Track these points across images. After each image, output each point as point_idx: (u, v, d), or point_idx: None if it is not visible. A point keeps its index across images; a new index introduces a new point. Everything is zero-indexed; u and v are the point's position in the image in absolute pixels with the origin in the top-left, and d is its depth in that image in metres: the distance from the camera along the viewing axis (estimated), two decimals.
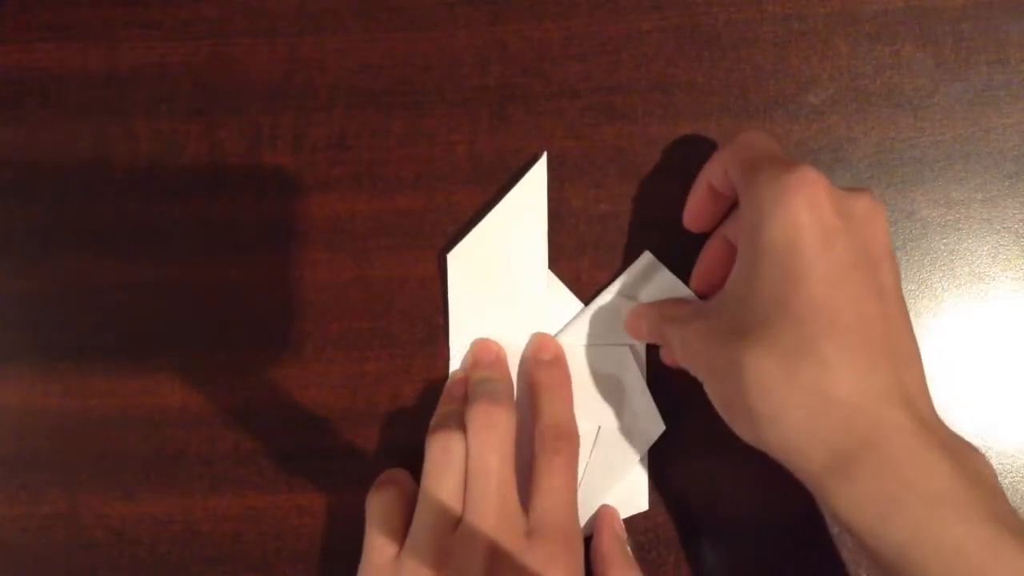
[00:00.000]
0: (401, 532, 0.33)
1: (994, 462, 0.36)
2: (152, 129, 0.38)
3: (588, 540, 0.35)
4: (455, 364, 0.37)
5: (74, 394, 0.38)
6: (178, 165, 0.38)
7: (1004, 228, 0.37)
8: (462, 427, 0.34)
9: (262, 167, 0.38)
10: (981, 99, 0.37)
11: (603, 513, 0.36)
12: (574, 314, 0.37)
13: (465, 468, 0.33)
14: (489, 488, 0.32)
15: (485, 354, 0.37)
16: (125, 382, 0.38)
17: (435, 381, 0.37)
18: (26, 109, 0.39)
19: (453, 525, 0.32)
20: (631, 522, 0.37)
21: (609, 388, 0.37)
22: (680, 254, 0.37)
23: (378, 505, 0.34)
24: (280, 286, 0.38)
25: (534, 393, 0.36)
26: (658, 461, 0.37)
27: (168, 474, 0.38)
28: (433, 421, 0.36)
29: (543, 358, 0.36)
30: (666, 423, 0.36)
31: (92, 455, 0.38)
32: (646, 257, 0.37)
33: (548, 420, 0.35)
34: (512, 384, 0.36)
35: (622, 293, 0.37)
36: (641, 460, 0.37)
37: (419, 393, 0.37)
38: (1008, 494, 0.36)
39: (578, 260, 0.37)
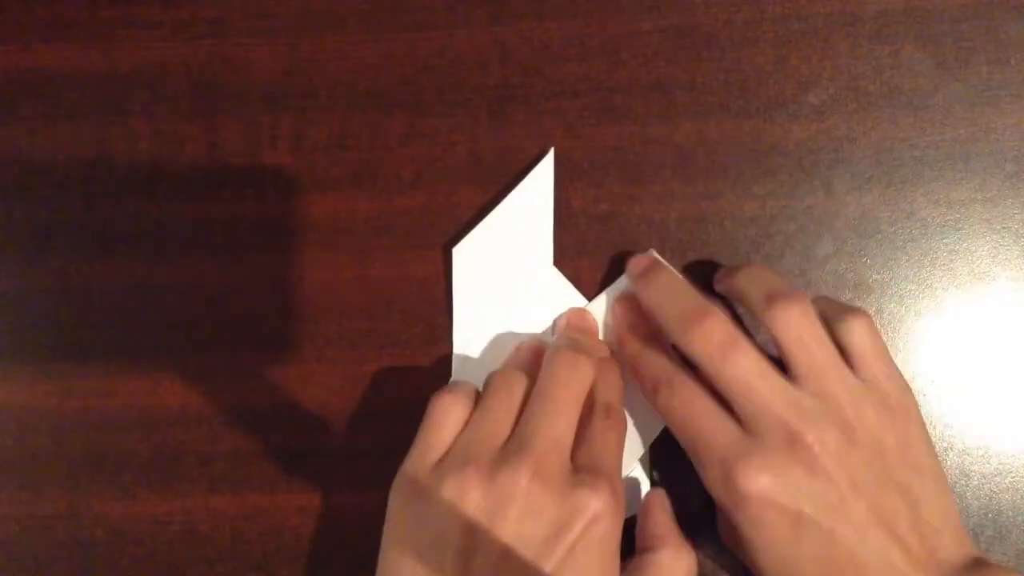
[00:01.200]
0: (451, 441, 0.32)
1: (994, 462, 0.36)
2: (152, 129, 0.38)
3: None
4: (458, 358, 0.37)
5: (74, 394, 0.38)
6: (178, 165, 0.38)
7: (1004, 228, 0.37)
8: (527, 374, 0.33)
9: (262, 167, 0.38)
10: (981, 99, 0.37)
11: (652, 494, 0.35)
12: None
13: (524, 399, 0.32)
14: (548, 411, 0.31)
15: (580, 320, 0.36)
16: (125, 382, 0.38)
17: (435, 381, 0.37)
18: (26, 109, 0.39)
19: (503, 441, 0.31)
20: (633, 521, 0.37)
21: None
22: (680, 255, 0.37)
23: (437, 408, 0.33)
24: (280, 286, 0.38)
25: None
26: (657, 461, 0.37)
27: (168, 474, 0.38)
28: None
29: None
30: None
31: (92, 455, 0.38)
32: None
33: (602, 400, 0.34)
34: (597, 352, 0.35)
35: (626, 291, 0.37)
36: (641, 459, 0.36)
37: (419, 393, 0.37)
38: (1008, 494, 0.36)
39: (578, 260, 0.37)
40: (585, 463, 0.31)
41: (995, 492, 0.36)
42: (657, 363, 0.34)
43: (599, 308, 0.37)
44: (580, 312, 0.37)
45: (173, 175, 0.38)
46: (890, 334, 0.37)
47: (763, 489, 0.30)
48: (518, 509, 0.29)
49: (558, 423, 0.31)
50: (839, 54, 0.37)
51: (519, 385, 0.33)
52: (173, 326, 0.38)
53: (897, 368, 0.32)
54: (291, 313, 0.38)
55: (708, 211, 0.37)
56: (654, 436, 0.36)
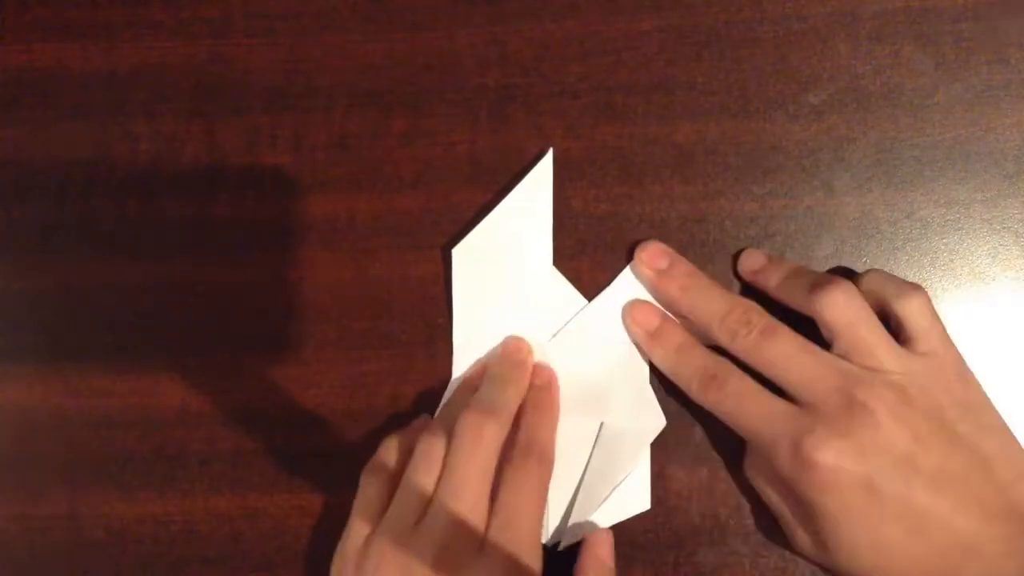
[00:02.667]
0: (379, 517, 0.33)
1: None
2: (152, 129, 0.38)
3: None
4: (458, 358, 0.37)
5: (74, 394, 0.38)
6: (178, 165, 0.38)
7: (1004, 228, 0.37)
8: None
9: (262, 167, 0.38)
10: (981, 99, 0.37)
11: (591, 538, 0.35)
12: (578, 310, 0.37)
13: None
14: (454, 490, 0.32)
15: (515, 353, 0.36)
16: (125, 382, 0.38)
17: (435, 381, 0.37)
18: (26, 109, 0.39)
19: (421, 517, 0.32)
20: (633, 522, 0.37)
21: (612, 384, 0.37)
22: (680, 254, 0.37)
23: (364, 487, 0.34)
24: (280, 286, 0.38)
25: (521, 410, 0.35)
26: (659, 461, 0.37)
27: (168, 474, 0.38)
28: (438, 412, 0.36)
29: (535, 382, 0.36)
30: (668, 421, 0.36)
31: (92, 455, 0.38)
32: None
33: (525, 437, 0.34)
34: (522, 395, 0.36)
35: (626, 289, 0.37)
36: (644, 458, 0.36)
37: (419, 393, 0.37)
38: None
39: (578, 261, 0.37)
40: (494, 533, 0.32)
41: None
42: (697, 361, 0.34)
43: (605, 306, 0.37)
44: (516, 342, 0.37)
45: (173, 175, 0.38)
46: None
47: (833, 458, 0.31)
48: None
49: (465, 500, 0.32)
50: (839, 54, 0.37)
51: (442, 450, 0.33)
52: (173, 326, 0.38)
53: (953, 342, 0.33)
54: (291, 313, 0.38)
55: (708, 211, 0.37)
56: (656, 433, 0.36)
